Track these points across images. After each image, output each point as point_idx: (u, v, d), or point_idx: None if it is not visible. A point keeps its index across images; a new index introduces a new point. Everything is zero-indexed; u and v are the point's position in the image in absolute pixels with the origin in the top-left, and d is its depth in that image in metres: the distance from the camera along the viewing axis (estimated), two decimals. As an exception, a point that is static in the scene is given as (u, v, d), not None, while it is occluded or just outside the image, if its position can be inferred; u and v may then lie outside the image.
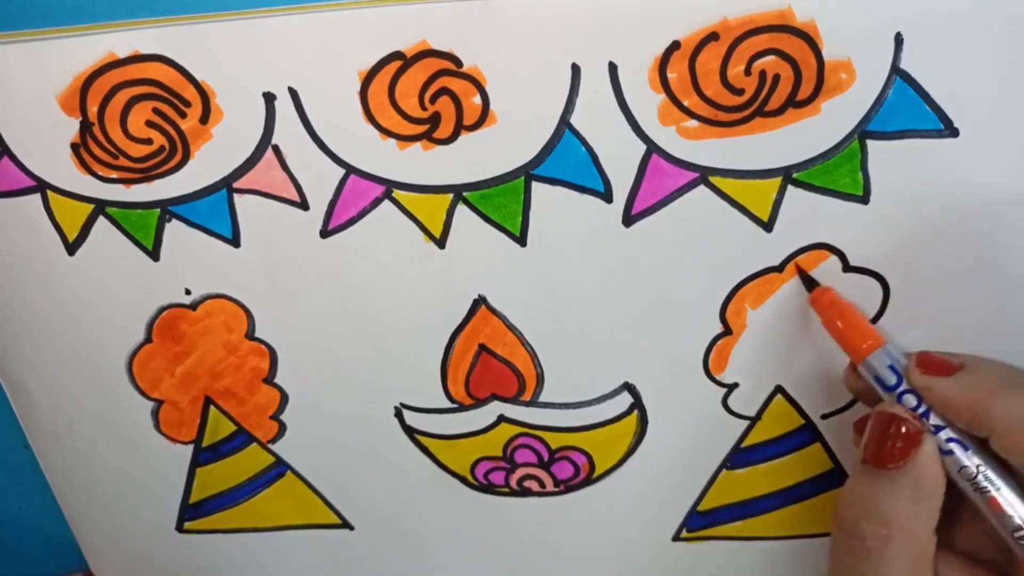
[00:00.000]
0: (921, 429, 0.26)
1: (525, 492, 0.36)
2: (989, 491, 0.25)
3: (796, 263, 0.30)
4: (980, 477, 0.25)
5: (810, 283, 0.30)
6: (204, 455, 0.36)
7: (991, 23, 0.26)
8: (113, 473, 0.37)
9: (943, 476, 0.26)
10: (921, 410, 0.26)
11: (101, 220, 0.31)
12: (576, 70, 0.28)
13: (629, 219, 0.30)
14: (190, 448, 0.36)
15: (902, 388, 0.27)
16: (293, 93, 0.29)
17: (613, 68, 0.28)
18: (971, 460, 0.25)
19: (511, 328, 0.32)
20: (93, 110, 0.29)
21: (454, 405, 0.34)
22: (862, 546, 0.26)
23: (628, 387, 0.33)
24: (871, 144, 0.28)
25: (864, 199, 0.29)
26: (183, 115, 0.29)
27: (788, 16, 0.26)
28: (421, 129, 0.29)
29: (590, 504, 0.36)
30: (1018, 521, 0.25)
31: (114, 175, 0.30)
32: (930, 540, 0.26)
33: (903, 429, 0.26)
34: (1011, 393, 0.25)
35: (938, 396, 0.26)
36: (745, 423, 0.34)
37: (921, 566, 0.26)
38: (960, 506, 0.26)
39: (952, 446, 0.26)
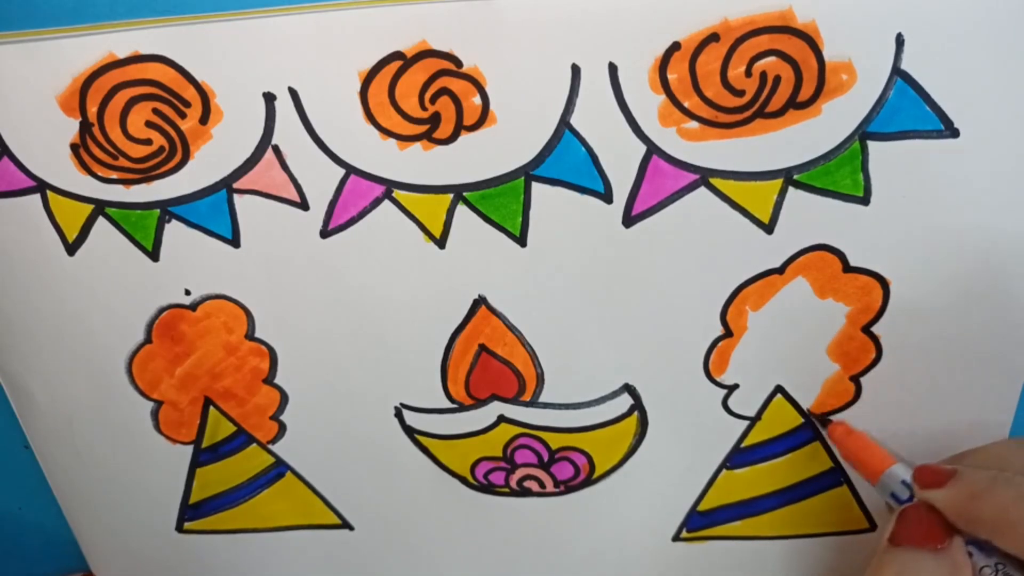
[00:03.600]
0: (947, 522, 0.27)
1: (525, 492, 0.36)
2: None
3: (810, 411, 0.33)
4: (1000, 574, 0.26)
5: (824, 421, 0.33)
6: (204, 455, 0.36)
7: (991, 23, 0.26)
8: (113, 473, 0.37)
9: (970, 568, 0.27)
10: None
11: (101, 220, 0.31)
12: (576, 70, 0.28)
13: (629, 220, 0.30)
14: (190, 448, 0.36)
15: (914, 502, 0.28)
16: (293, 93, 0.29)
17: (613, 68, 0.28)
18: (988, 559, 0.26)
19: (511, 328, 0.32)
20: (93, 110, 0.29)
21: (454, 405, 0.34)
22: None
23: (628, 388, 0.33)
24: (872, 145, 0.28)
25: (865, 200, 0.29)
26: (183, 115, 0.29)
27: (789, 17, 0.26)
28: (421, 129, 0.29)
29: (590, 504, 0.36)
30: None
31: (114, 175, 0.30)
32: None
33: (942, 520, 0.27)
34: (992, 491, 0.26)
35: (940, 506, 0.27)
36: (745, 423, 0.34)
37: None
38: None
39: (970, 547, 0.27)
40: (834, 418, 0.33)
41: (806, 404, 0.33)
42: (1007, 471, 0.27)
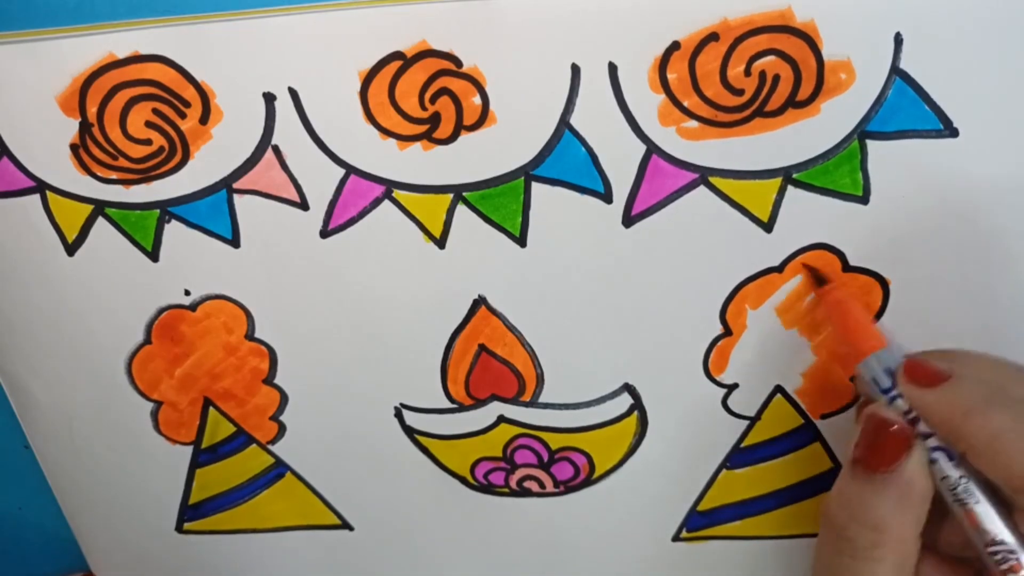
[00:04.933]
0: (910, 434, 0.26)
1: (525, 492, 0.36)
2: (968, 503, 0.25)
3: (802, 262, 0.30)
4: (960, 489, 0.25)
5: (820, 279, 0.30)
6: (204, 456, 0.36)
7: (991, 23, 0.26)
8: (113, 473, 0.37)
9: (931, 483, 0.26)
10: (912, 415, 0.26)
11: (100, 221, 0.31)
12: (576, 70, 0.28)
13: (629, 219, 0.30)
14: (189, 449, 0.36)
15: (895, 392, 0.27)
16: (293, 93, 0.29)
17: (613, 68, 0.28)
18: (954, 471, 0.25)
19: (511, 328, 0.32)
20: (92, 111, 0.29)
21: (454, 405, 0.34)
22: (851, 547, 0.26)
23: (628, 388, 0.33)
24: (871, 144, 0.28)
25: (864, 199, 0.29)
26: (183, 115, 0.29)
27: (788, 16, 0.26)
28: (421, 129, 0.29)
29: (590, 504, 0.36)
30: (991, 537, 0.25)
31: (113, 176, 0.30)
32: (916, 544, 0.26)
33: (892, 433, 0.26)
34: (988, 411, 0.25)
35: (920, 406, 0.26)
36: (745, 423, 0.34)
37: (906, 570, 0.26)
38: (943, 509, 0.26)
39: (937, 455, 0.26)
40: (832, 285, 0.30)
41: (806, 405, 0.33)
42: (1006, 386, 0.25)
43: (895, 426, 0.26)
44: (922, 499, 0.26)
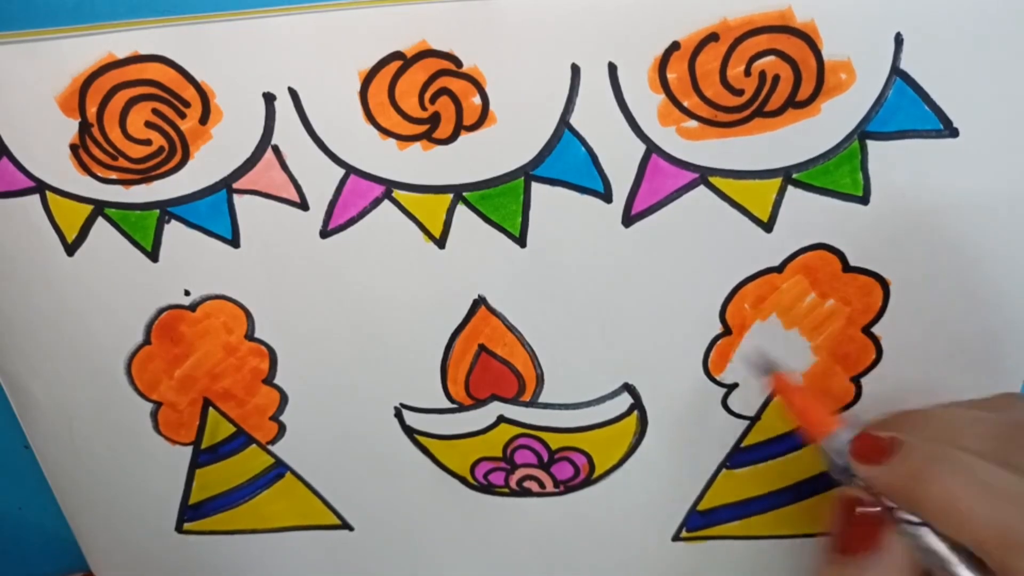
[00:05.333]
0: (882, 513, 0.25)
1: (525, 492, 0.36)
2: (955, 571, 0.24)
3: (743, 357, 0.31)
4: (948, 563, 0.24)
5: (768, 368, 0.30)
6: (203, 456, 0.36)
7: (991, 23, 0.26)
8: (113, 473, 0.37)
9: (914, 561, 0.25)
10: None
11: (100, 221, 0.31)
12: (576, 70, 0.28)
13: (629, 219, 0.30)
14: (189, 449, 0.36)
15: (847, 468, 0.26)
16: (293, 93, 0.29)
17: (613, 68, 0.28)
18: (939, 544, 0.24)
19: (511, 328, 0.32)
20: (92, 111, 0.29)
21: (454, 405, 0.34)
22: None
23: (628, 387, 0.33)
24: (871, 144, 0.28)
25: (864, 199, 0.29)
26: (183, 116, 0.29)
27: (788, 16, 0.26)
28: (421, 129, 0.29)
29: (590, 504, 0.36)
30: None
31: (113, 176, 0.30)
32: None
33: (864, 513, 0.25)
34: (940, 477, 0.23)
35: (876, 484, 0.25)
36: (745, 423, 0.34)
37: None
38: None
39: (920, 530, 0.24)
40: (782, 371, 0.30)
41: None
42: (958, 442, 0.24)
43: (866, 507, 0.25)
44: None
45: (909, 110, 0.28)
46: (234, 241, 0.31)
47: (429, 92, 0.28)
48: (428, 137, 0.29)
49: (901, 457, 0.25)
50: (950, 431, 0.26)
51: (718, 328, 0.32)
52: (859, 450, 0.26)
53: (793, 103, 0.28)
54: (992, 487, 0.23)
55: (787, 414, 0.30)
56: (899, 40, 0.27)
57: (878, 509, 0.25)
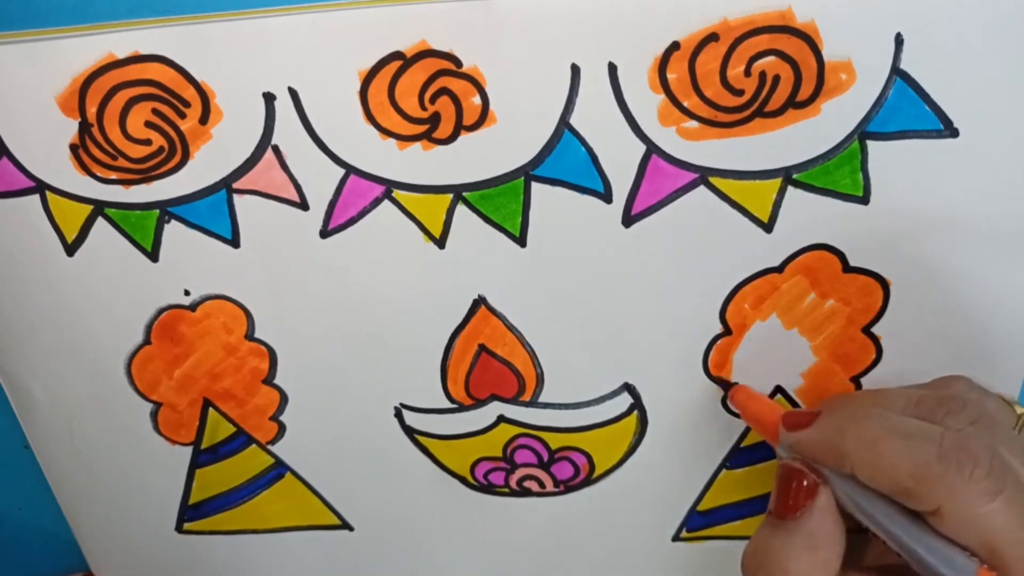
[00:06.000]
0: (816, 481, 0.27)
1: (525, 492, 0.36)
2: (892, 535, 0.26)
3: (711, 375, 0.32)
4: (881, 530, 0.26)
5: (725, 385, 0.32)
6: (203, 456, 0.36)
7: (991, 23, 0.26)
8: (113, 473, 0.37)
9: (839, 527, 0.26)
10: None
11: (100, 221, 0.31)
12: (576, 70, 0.28)
13: (629, 219, 0.30)
14: (189, 449, 0.36)
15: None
16: (293, 93, 0.29)
17: (613, 68, 0.28)
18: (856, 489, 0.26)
19: (511, 328, 0.32)
20: (92, 111, 0.29)
21: (454, 405, 0.34)
22: None
23: (628, 387, 0.33)
24: (871, 144, 0.28)
25: (864, 199, 0.29)
26: (182, 116, 0.29)
27: (788, 17, 0.26)
28: (421, 129, 0.29)
29: (590, 504, 0.36)
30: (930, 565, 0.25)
31: (113, 176, 0.30)
32: None
33: (803, 482, 0.27)
34: (858, 426, 0.26)
35: (804, 448, 0.27)
36: (745, 423, 0.34)
37: None
38: (870, 535, 0.27)
39: (852, 492, 0.26)
40: (735, 383, 0.33)
41: (806, 405, 0.33)
42: (881, 407, 0.27)
43: (803, 476, 0.27)
44: (829, 541, 0.26)
45: (909, 110, 0.28)
46: (234, 241, 0.31)
47: (429, 92, 0.28)
48: (428, 137, 0.29)
49: (824, 418, 0.27)
50: (874, 399, 0.28)
51: (718, 328, 0.32)
52: (787, 421, 0.28)
53: (793, 103, 0.28)
54: (907, 431, 0.25)
55: (750, 423, 0.32)
56: (899, 40, 0.27)
57: (812, 479, 0.27)
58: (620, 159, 0.29)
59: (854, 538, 0.27)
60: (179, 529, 0.38)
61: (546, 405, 0.34)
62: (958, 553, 0.24)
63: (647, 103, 0.28)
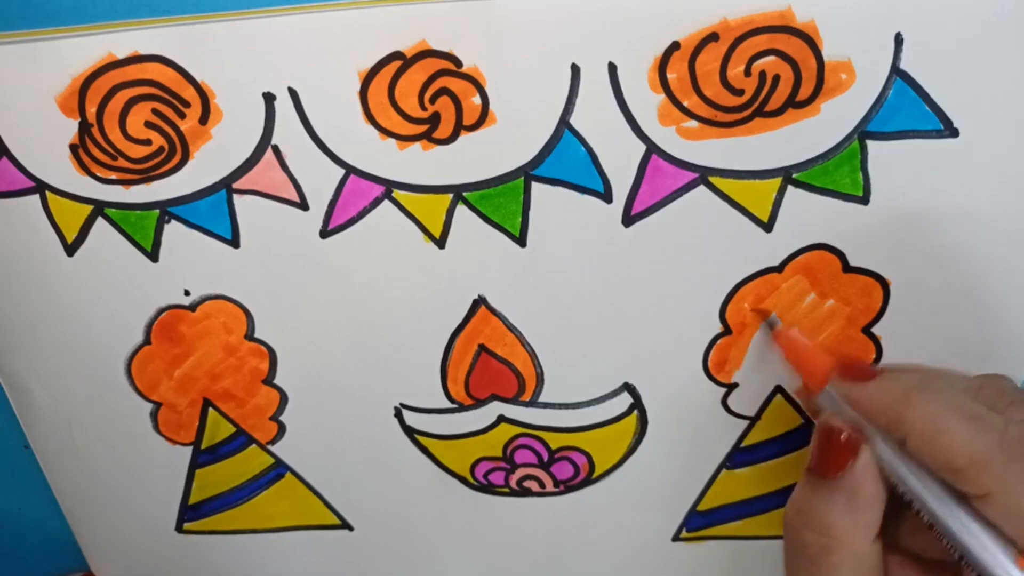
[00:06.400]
0: (859, 440, 0.26)
1: (525, 492, 0.36)
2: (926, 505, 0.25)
3: (750, 308, 0.31)
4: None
5: (770, 322, 0.31)
6: (203, 456, 0.36)
7: (991, 23, 0.26)
8: (113, 473, 0.37)
9: (881, 487, 0.26)
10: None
11: (100, 221, 0.31)
12: (576, 70, 0.28)
13: (629, 219, 0.30)
14: (189, 449, 0.36)
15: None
16: (293, 93, 0.29)
17: (613, 68, 0.28)
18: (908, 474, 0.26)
19: (511, 328, 0.32)
20: (92, 111, 0.29)
21: (454, 405, 0.34)
22: (806, 553, 0.27)
23: (628, 387, 0.33)
24: (871, 144, 0.28)
25: (864, 199, 0.29)
26: (182, 116, 0.29)
27: (788, 17, 0.26)
28: (421, 129, 0.29)
29: (590, 504, 0.36)
30: (957, 540, 0.25)
31: (113, 176, 0.30)
32: (871, 548, 0.26)
33: (843, 439, 0.27)
34: (923, 397, 0.25)
35: (858, 402, 0.27)
36: (745, 423, 0.34)
37: (862, 574, 0.26)
38: (908, 510, 0.27)
39: (890, 458, 0.26)
40: (782, 326, 0.31)
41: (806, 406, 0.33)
42: (932, 379, 0.26)
43: (843, 433, 0.27)
44: (871, 503, 0.26)
45: (909, 110, 0.28)
46: (234, 241, 0.31)
47: (429, 92, 0.28)
48: (428, 137, 0.29)
49: (887, 378, 0.27)
50: (923, 371, 0.28)
51: (718, 328, 0.32)
52: (845, 371, 0.28)
53: (793, 103, 0.28)
54: (972, 414, 0.25)
55: (793, 365, 0.30)
56: (899, 40, 0.27)
57: (856, 437, 0.26)
58: (620, 159, 0.29)
59: (891, 507, 0.27)
60: (179, 529, 0.38)
61: (546, 405, 0.34)
62: (997, 539, 0.24)
63: (647, 103, 0.28)
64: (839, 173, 0.29)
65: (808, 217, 0.30)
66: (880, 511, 0.26)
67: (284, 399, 0.35)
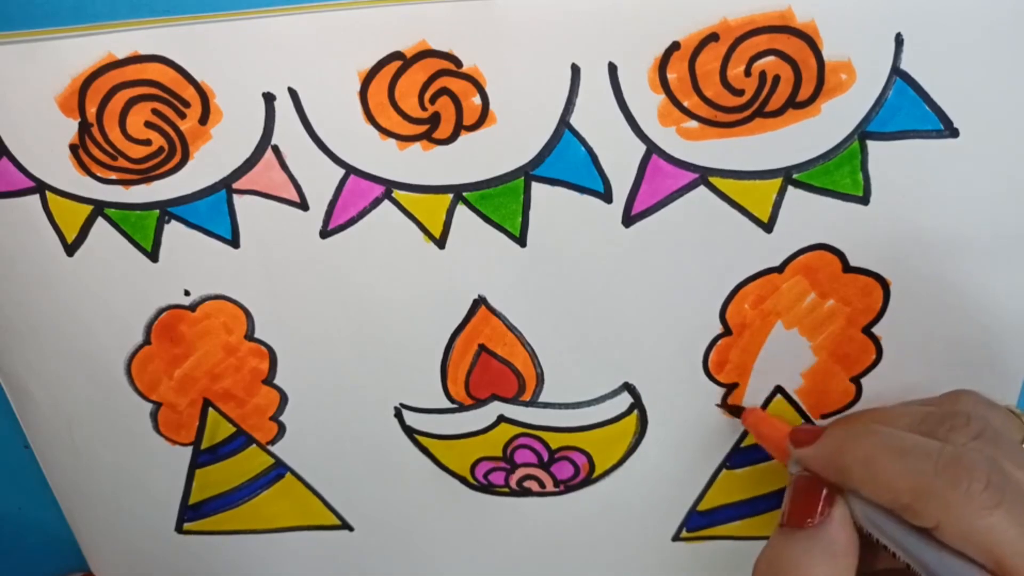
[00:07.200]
0: (832, 493, 0.27)
1: (525, 492, 0.36)
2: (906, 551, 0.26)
3: (717, 403, 0.33)
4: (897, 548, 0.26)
5: (736, 410, 0.33)
6: (203, 457, 0.36)
7: (991, 23, 0.26)
8: (113, 473, 0.37)
9: (854, 534, 0.27)
10: None
11: (100, 221, 0.31)
12: (576, 70, 0.28)
13: (629, 219, 0.30)
14: (189, 449, 0.36)
15: None
16: (293, 93, 0.29)
17: (613, 68, 0.28)
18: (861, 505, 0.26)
19: (511, 328, 0.32)
20: (92, 111, 0.29)
21: (454, 405, 0.34)
22: None
23: (628, 387, 0.33)
24: (871, 144, 0.28)
25: (864, 199, 0.29)
26: (182, 116, 0.29)
27: (788, 17, 0.26)
28: (421, 129, 0.29)
29: (590, 504, 0.36)
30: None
31: (113, 176, 0.30)
32: None
33: (822, 491, 0.27)
34: (856, 443, 0.26)
35: (810, 463, 0.28)
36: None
37: None
38: (881, 552, 0.27)
39: (864, 507, 0.26)
40: (745, 406, 0.33)
41: (806, 405, 0.33)
42: (868, 424, 0.27)
43: (820, 486, 0.27)
44: (846, 551, 0.26)
45: (909, 110, 0.28)
46: (234, 241, 0.31)
47: (429, 92, 0.28)
48: (428, 137, 0.29)
49: (828, 435, 0.28)
50: (877, 416, 0.29)
51: (718, 328, 0.32)
52: (794, 437, 0.29)
53: (793, 103, 0.28)
54: (904, 447, 0.25)
55: (762, 444, 0.32)
56: (899, 40, 0.27)
57: (830, 490, 0.27)
58: (620, 159, 0.29)
59: (864, 546, 0.27)
60: (179, 529, 0.38)
61: (546, 405, 0.34)
62: (967, 565, 0.24)
63: (647, 103, 0.28)
64: (839, 173, 0.29)
65: (808, 217, 0.30)
66: (856, 557, 0.27)
67: (284, 399, 0.35)
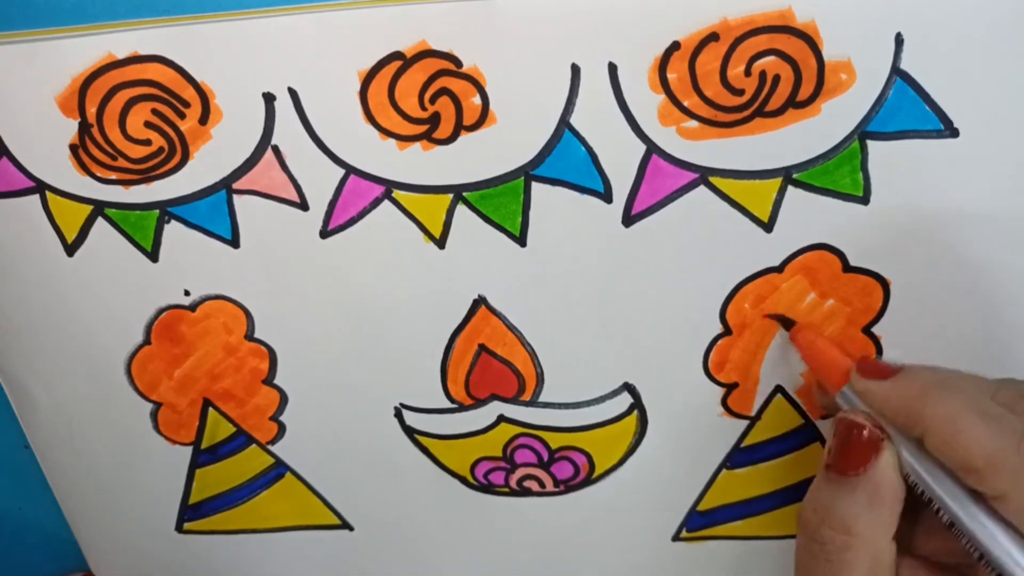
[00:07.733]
0: (881, 436, 0.26)
1: (525, 492, 0.36)
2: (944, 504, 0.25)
3: (765, 313, 0.31)
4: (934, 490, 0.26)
5: (787, 323, 0.31)
6: (203, 456, 0.36)
7: (991, 23, 0.26)
8: (113, 473, 0.37)
9: (902, 484, 0.26)
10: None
11: (100, 221, 0.31)
12: (576, 70, 0.28)
13: (629, 219, 0.30)
14: (189, 449, 0.36)
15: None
16: (293, 93, 0.29)
17: (613, 68, 0.28)
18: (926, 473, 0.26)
19: (511, 328, 0.32)
20: (92, 111, 0.29)
21: (454, 405, 0.34)
22: (823, 550, 0.26)
23: (628, 387, 0.33)
24: (871, 144, 0.28)
25: (864, 199, 0.29)
26: (182, 116, 0.29)
27: (788, 16, 0.26)
28: (421, 129, 0.29)
29: (590, 504, 0.36)
30: (973, 536, 0.25)
31: (113, 176, 0.30)
32: (888, 547, 0.26)
33: (864, 435, 0.26)
34: (942, 396, 0.25)
35: (876, 399, 0.27)
36: (745, 423, 0.34)
37: (880, 573, 0.26)
38: (922, 512, 0.27)
39: (909, 458, 0.26)
40: (799, 325, 0.31)
41: (806, 405, 0.33)
42: (951, 378, 0.26)
43: (865, 429, 0.27)
44: (892, 500, 0.26)
45: (909, 110, 0.28)
46: (234, 241, 0.31)
47: (429, 92, 0.28)
48: (428, 137, 0.29)
49: (906, 376, 0.26)
50: (954, 373, 0.27)
51: (718, 328, 0.32)
52: (864, 369, 0.27)
53: (793, 103, 0.28)
54: (990, 413, 0.24)
55: (811, 366, 0.31)
56: (899, 40, 0.27)
57: (877, 434, 0.26)
58: (620, 159, 0.29)
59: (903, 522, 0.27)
60: (179, 529, 0.38)
61: (546, 405, 0.34)
62: (1015, 539, 0.24)
63: (647, 103, 0.28)
64: (839, 173, 0.29)
65: (808, 217, 0.30)
66: (899, 509, 0.26)
67: (284, 399, 0.35)
